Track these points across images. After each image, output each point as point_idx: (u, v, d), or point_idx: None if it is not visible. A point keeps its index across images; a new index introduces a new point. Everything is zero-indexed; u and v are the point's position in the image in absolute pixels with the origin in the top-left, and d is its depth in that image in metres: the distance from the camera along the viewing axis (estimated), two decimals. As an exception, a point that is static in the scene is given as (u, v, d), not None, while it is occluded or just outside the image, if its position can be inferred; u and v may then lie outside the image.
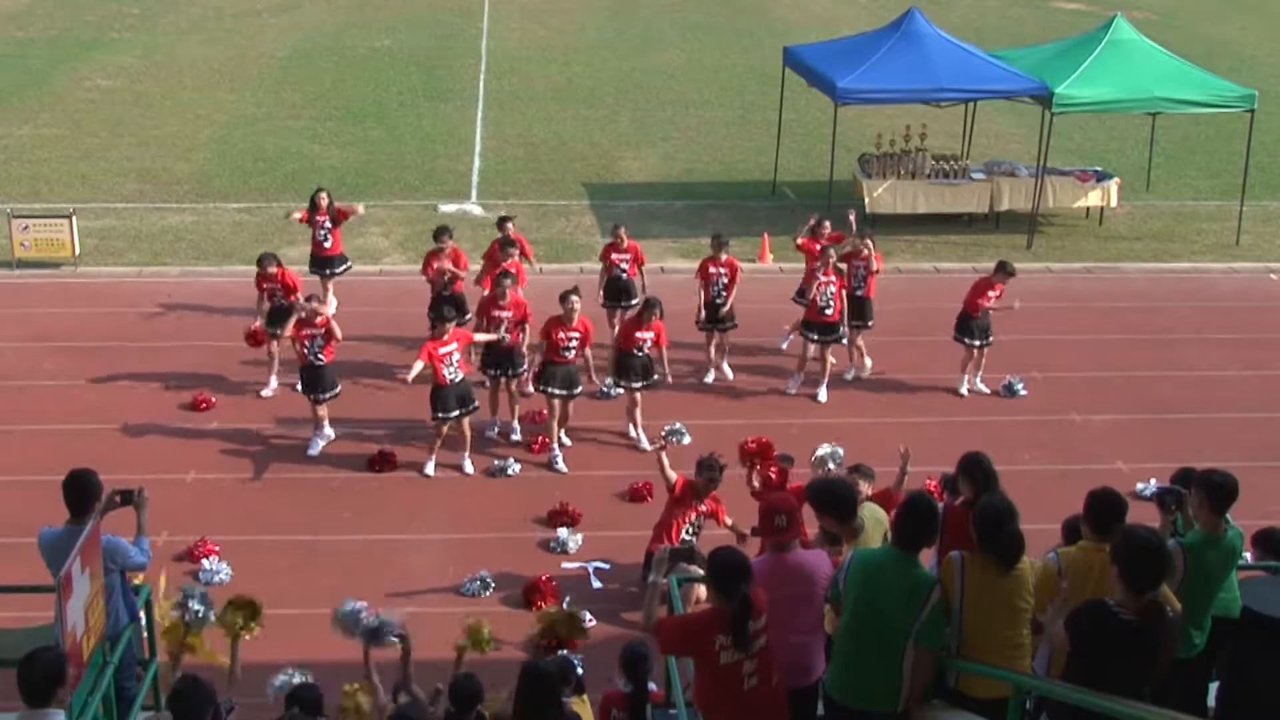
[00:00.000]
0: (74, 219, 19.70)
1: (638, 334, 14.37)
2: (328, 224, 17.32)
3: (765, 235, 20.95)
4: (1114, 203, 22.48)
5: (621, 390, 14.81)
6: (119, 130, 26.97)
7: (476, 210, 22.69)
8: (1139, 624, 6.23)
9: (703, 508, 11.47)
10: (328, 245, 17.46)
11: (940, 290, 19.36)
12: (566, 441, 14.47)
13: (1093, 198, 22.28)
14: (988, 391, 15.87)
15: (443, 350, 13.48)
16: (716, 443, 13.61)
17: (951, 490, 8.81)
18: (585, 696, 8.88)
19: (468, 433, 13.99)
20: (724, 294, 15.89)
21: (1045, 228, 22.05)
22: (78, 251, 19.62)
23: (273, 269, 15.42)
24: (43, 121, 27.64)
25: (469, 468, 13.95)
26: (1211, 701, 7.55)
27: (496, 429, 14.75)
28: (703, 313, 16.04)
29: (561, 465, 14.08)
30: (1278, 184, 25.05)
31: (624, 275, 16.52)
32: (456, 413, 13.66)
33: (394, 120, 28.21)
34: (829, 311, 15.37)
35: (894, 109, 24.38)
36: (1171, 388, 16.37)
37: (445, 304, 15.47)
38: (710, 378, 16.17)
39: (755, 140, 26.69)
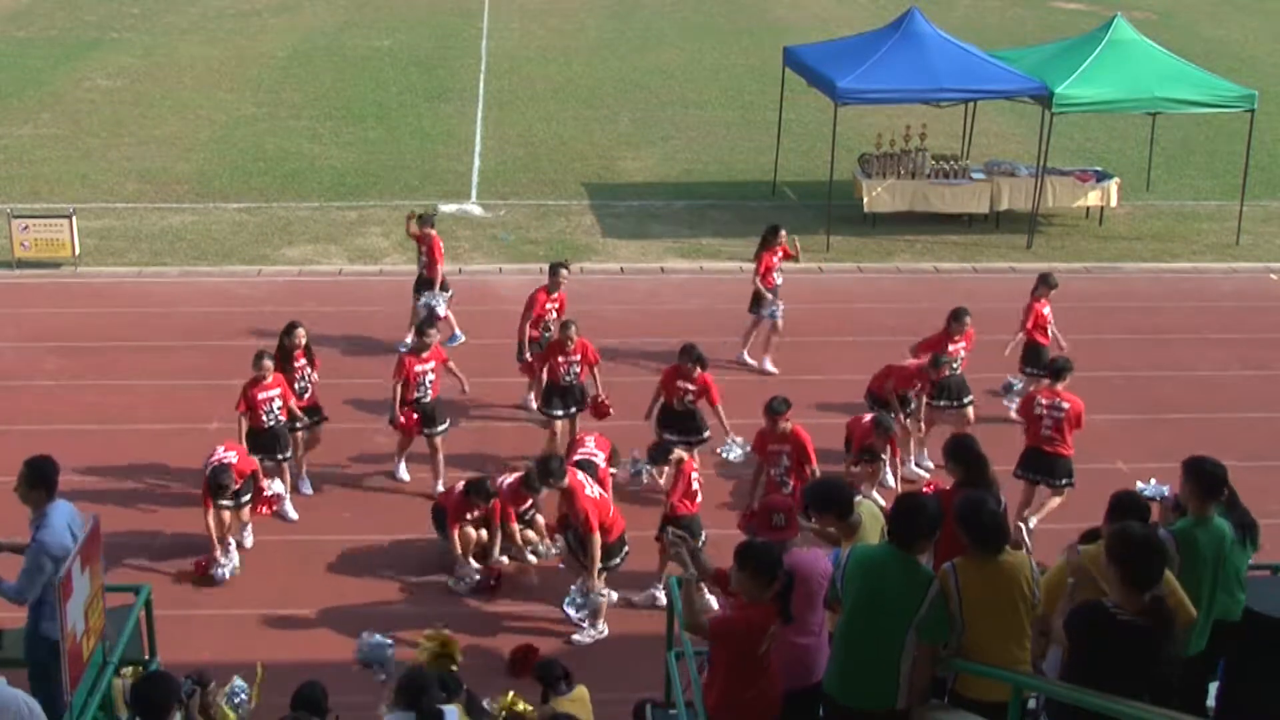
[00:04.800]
0: (74, 219, 19.69)
1: (679, 382, 13.15)
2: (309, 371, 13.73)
3: (765, 235, 20.91)
4: (1114, 203, 22.48)
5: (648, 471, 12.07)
6: (119, 130, 26.96)
7: (476, 210, 22.69)
8: (1138, 624, 6.21)
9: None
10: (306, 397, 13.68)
11: (940, 290, 19.35)
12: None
13: (1093, 198, 22.28)
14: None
15: (419, 368, 13.20)
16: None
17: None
18: (584, 693, 8.91)
19: (439, 451, 13.48)
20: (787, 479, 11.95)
21: (1045, 228, 22.04)
22: (78, 251, 19.61)
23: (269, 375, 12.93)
24: (43, 121, 27.64)
25: (440, 487, 13.30)
26: (1211, 701, 7.55)
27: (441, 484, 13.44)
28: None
29: None
30: (1278, 184, 25.04)
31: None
32: (427, 430, 13.35)
33: (394, 120, 28.21)
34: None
35: (894, 109, 24.38)
36: (1171, 388, 16.37)
37: None
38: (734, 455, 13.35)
39: (755, 140, 26.69)
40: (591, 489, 11.30)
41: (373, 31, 37.53)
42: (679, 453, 11.73)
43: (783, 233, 16.58)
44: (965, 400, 14.28)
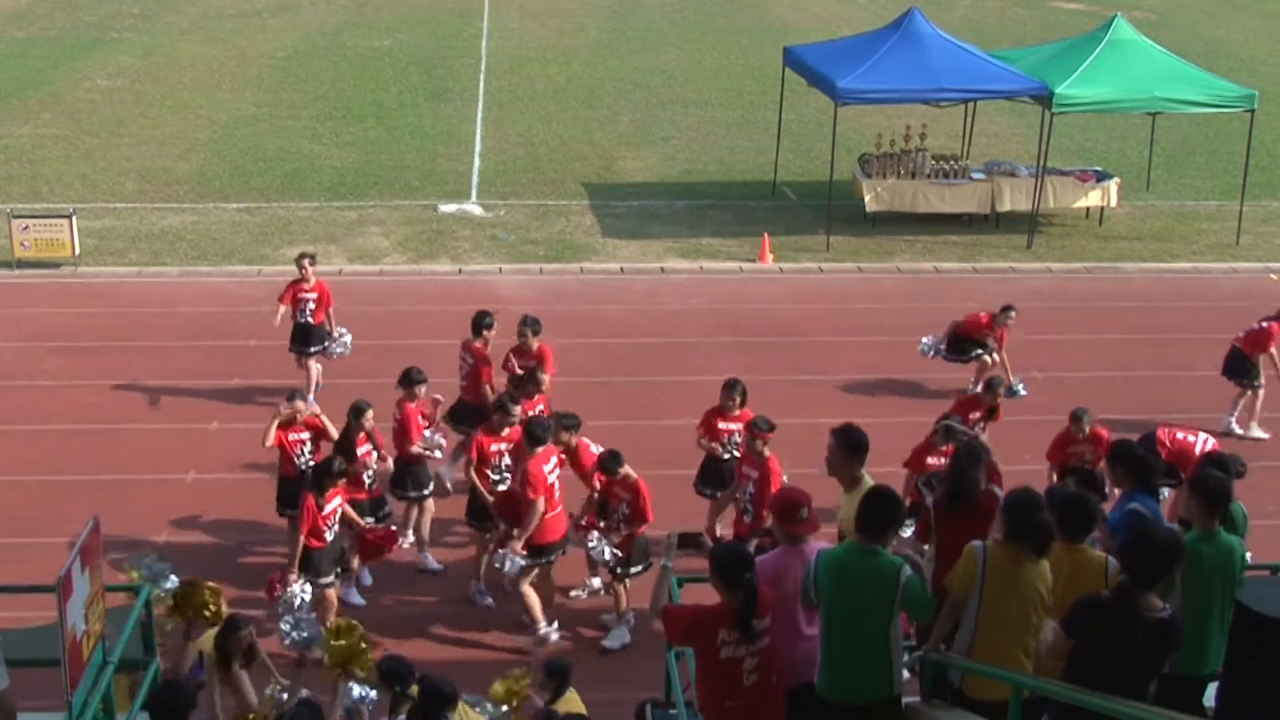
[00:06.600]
0: (74, 219, 19.69)
1: (721, 424, 11.86)
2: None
3: (765, 235, 20.94)
4: (1114, 203, 22.48)
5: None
6: (119, 130, 26.96)
7: (476, 210, 22.69)
8: (1143, 621, 6.23)
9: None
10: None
11: (940, 290, 19.38)
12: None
13: (1093, 198, 22.28)
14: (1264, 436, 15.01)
15: (494, 448, 11.48)
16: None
17: (931, 488, 8.94)
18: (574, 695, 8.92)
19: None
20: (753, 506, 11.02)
21: (1045, 228, 22.04)
22: (78, 251, 19.61)
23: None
24: (43, 121, 27.63)
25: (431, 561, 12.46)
26: (1208, 701, 7.54)
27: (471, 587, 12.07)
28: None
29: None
30: (1278, 184, 25.04)
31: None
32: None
33: (394, 120, 28.21)
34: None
35: (894, 109, 24.39)
36: (1171, 388, 16.35)
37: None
38: None
39: (755, 140, 26.69)
40: (549, 472, 10.74)
41: (373, 31, 37.52)
42: (626, 470, 11.02)
43: None
44: None
